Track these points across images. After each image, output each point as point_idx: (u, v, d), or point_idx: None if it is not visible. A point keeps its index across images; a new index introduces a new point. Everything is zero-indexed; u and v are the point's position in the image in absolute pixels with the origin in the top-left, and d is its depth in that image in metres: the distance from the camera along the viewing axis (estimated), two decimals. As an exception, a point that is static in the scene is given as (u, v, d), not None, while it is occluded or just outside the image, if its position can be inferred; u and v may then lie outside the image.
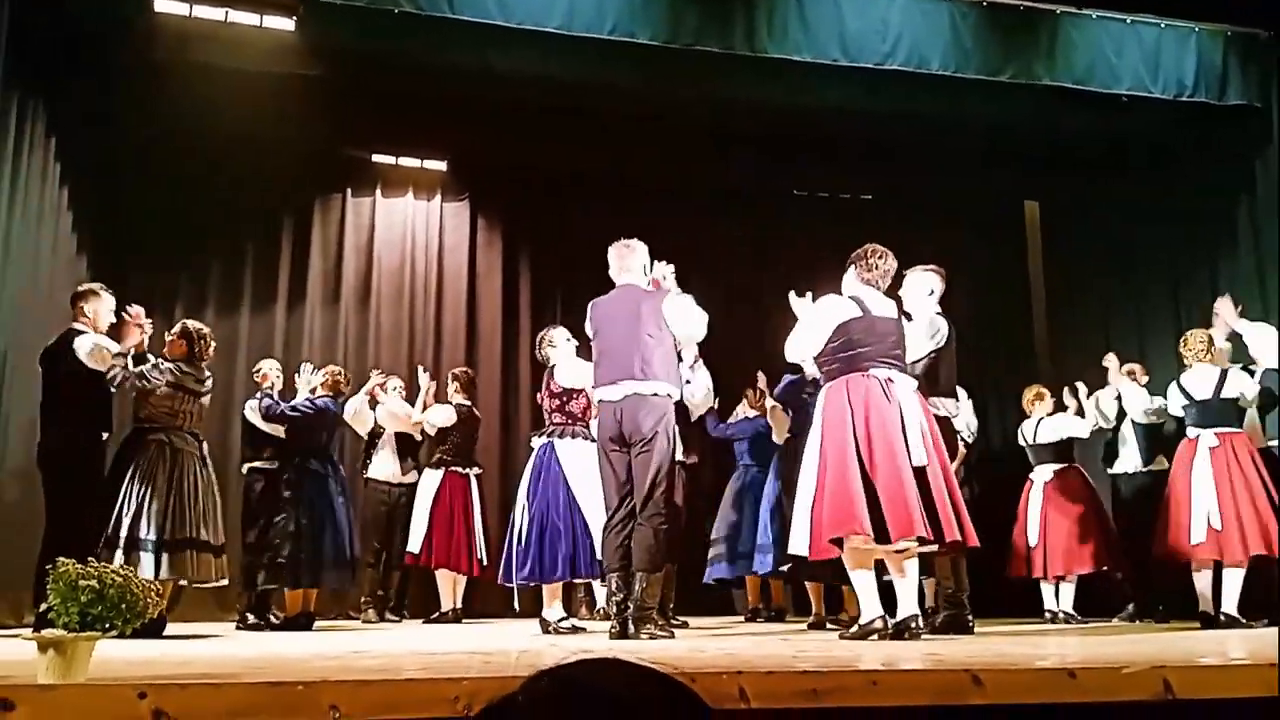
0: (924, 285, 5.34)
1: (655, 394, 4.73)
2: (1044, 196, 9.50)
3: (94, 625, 2.33)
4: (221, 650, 4.09)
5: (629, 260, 5.03)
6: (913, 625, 4.38)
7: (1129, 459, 7.05)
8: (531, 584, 5.57)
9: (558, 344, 5.79)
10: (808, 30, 6.50)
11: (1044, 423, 7.20)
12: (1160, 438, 6.87)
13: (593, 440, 5.36)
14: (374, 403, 7.39)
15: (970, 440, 7.36)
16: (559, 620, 5.47)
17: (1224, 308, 6.26)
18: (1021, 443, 7.37)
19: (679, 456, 5.96)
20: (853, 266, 4.77)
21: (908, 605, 4.42)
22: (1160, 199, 8.18)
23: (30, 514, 5.51)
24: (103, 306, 5.42)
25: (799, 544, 4.54)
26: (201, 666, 2.99)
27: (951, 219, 9.14)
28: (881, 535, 4.26)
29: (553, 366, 5.76)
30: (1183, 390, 6.07)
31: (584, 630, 5.36)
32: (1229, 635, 4.93)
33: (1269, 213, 7.08)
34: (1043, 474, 7.11)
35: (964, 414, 6.96)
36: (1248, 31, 7.09)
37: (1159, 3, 6.92)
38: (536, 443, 5.80)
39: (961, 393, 6.29)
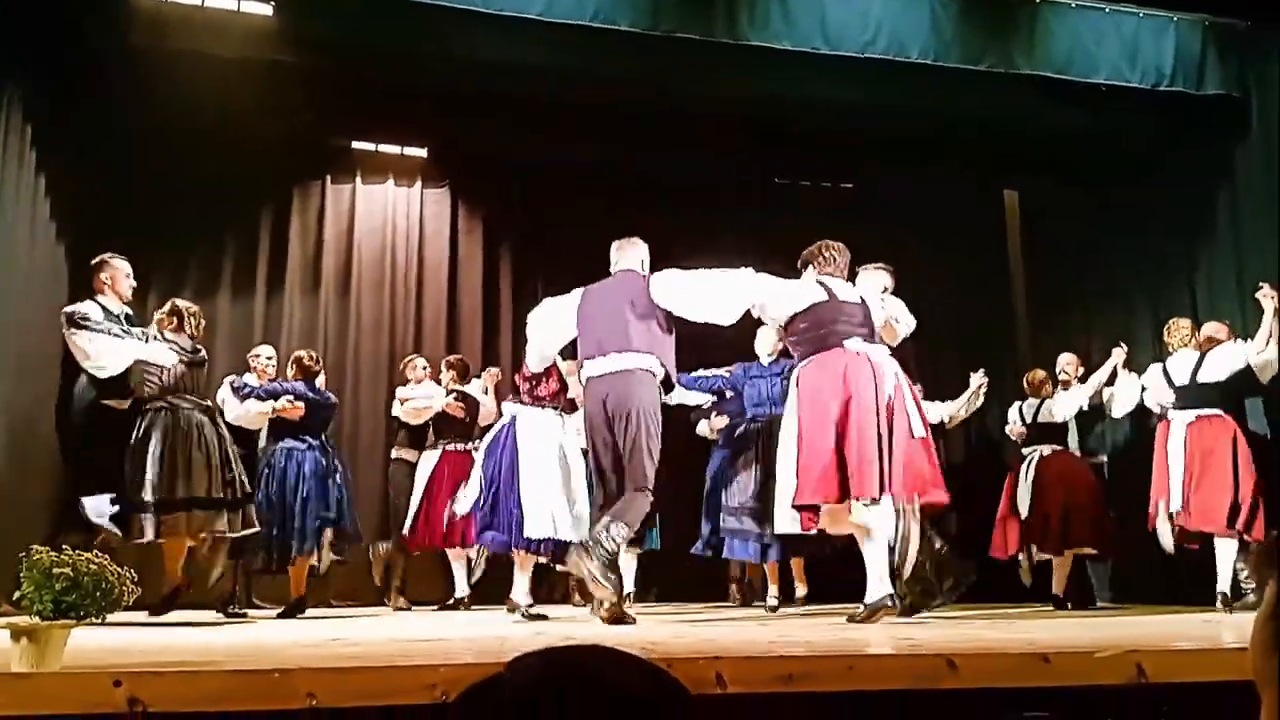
0: (876, 283, 5.27)
1: (639, 369, 4.72)
2: (1023, 185, 9.52)
3: (68, 613, 2.32)
4: (200, 637, 4.08)
5: (627, 252, 5.08)
6: (888, 603, 4.35)
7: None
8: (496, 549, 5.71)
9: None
10: (789, 18, 6.49)
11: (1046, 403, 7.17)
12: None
13: (559, 414, 5.55)
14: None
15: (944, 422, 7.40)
16: (527, 605, 5.41)
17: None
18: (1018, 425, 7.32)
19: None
20: (810, 265, 4.88)
21: (878, 586, 4.39)
22: (1139, 187, 8.20)
23: (9, 497, 5.49)
24: (119, 274, 5.46)
25: (787, 523, 4.62)
26: (178, 654, 2.98)
27: (930, 208, 9.15)
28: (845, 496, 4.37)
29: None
30: (1166, 376, 6.18)
31: (546, 617, 5.33)
32: (1205, 619, 4.97)
33: (1247, 201, 7.12)
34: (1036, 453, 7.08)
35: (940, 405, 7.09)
36: (1226, 21, 7.11)
37: (1138, -9, 6.94)
38: (506, 408, 5.85)
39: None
